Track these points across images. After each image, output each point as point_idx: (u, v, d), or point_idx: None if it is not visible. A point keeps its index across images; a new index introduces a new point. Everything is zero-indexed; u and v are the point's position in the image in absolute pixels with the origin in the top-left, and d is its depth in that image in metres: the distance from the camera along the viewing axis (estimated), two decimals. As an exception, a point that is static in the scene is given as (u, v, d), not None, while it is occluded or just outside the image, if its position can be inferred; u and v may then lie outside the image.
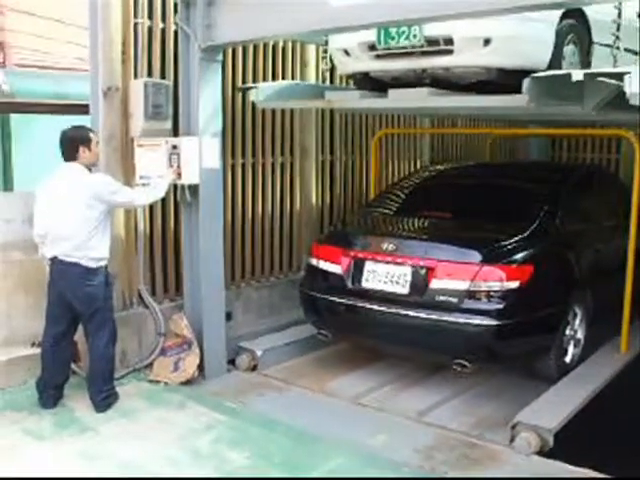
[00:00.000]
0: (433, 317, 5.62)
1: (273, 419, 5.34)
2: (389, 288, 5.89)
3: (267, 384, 6.15)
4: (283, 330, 7.13)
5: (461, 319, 5.53)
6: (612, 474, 4.55)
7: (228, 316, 6.63)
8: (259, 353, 6.52)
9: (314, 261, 6.51)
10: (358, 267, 6.11)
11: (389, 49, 5.91)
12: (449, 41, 5.59)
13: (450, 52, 5.66)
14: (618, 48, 6.39)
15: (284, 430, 5.15)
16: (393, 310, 5.82)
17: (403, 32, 5.68)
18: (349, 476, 4.51)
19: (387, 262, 5.95)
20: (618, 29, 6.35)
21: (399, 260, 5.89)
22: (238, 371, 6.46)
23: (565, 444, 4.88)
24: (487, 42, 5.48)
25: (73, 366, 5.77)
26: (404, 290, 5.81)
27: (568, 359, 6.20)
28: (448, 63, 5.75)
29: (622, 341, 6.65)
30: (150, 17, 6.28)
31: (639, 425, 5.33)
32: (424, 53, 5.77)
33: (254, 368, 6.50)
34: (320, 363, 6.71)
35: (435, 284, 5.65)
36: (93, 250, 5.21)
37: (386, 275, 5.94)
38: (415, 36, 5.64)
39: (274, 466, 4.58)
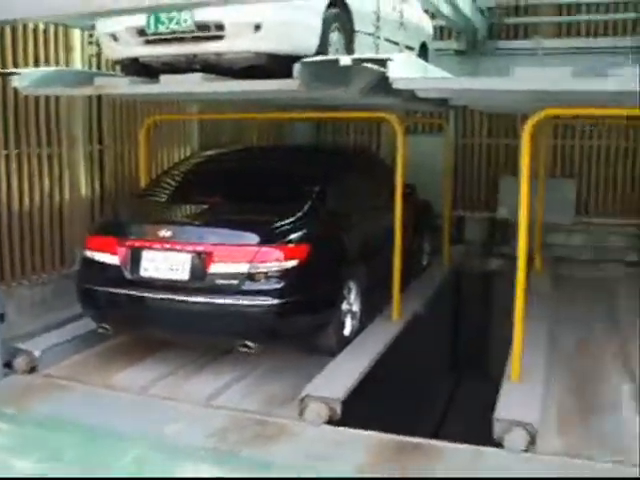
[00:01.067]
0: (215, 301, 5.69)
1: (60, 419, 5.12)
2: (169, 275, 5.85)
3: (50, 384, 5.86)
4: (62, 327, 6.81)
5: (243, 301, 5.64)
6: (398, 433, 4.87)
7: (1, 317, 6.24)
8: (37, 353, 6.18)
9: (89, 253, 6.30)
10: (135, 256, 6.00)
11: (159, 34, 5.80)
12: (220, 26, 5.59)
13: (221, 37, 5.65)
14: (379, 37, 6.76)
15: (73, 429, 4.96)
16: (174, 297, 5.80)
17: (173, 17, 5.60)
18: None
19: (165, 249, 5.91)
20: (378, 20, 6.72)
21: (177, 247, 5.87)
22: (16, 374, 6.09)
23: (353, 411, 5.14)
24: (257, 28, 5.53)
25: None
26: (184, 276, 5.80)
27: (347, 332, 6.51)
28: (219, 48, 5.74)
29: (394, 310, 7.12)
30: None
31: (416, 385, 5.71)
32: (195, 38, 5.72)
33: (34, 369, 6.17)
34: (104, 358, 6.50)
35: (214, 268, 5.70)
36: None
37: (165, 263, 5.89)
38: (186, 21, 5.59)
39: (68, 465, 4.43)
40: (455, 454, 4.72)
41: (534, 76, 5.21)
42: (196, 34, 5.69)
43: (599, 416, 5.33)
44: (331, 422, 5.07)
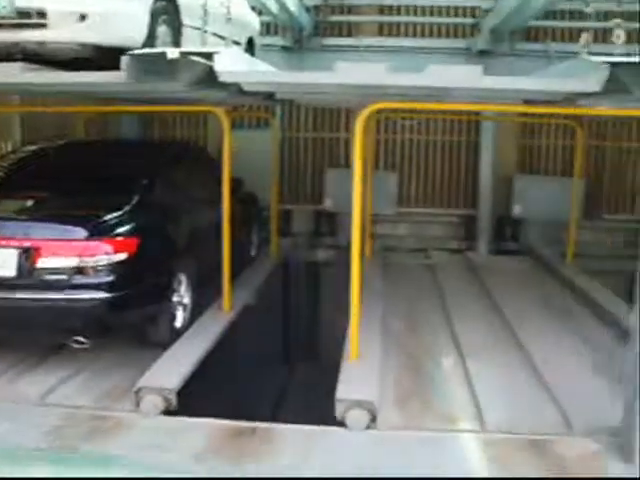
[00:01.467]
0: (44, 297, 5.58)
1: None
2: (-6, 272, 5.65)
3: None
4: None
5: (72, 296, 5.59)
6: (231, 418, 4.99)
7: None
8: None
9: None
10: (-44, 254, 5.74)
11: (-25, 19, 5.53)
12: (42, 14, 5.38)
13: (44, 26, 5.43)
14: (206, 31, 6.81)
15: None
16: (1, 295, 5.60)
17: (-9, 1, 5.38)
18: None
19: (-11, 245, 5.70)
20: (205, 14, 6.76)
21: (2, 242, 5.66)
22: None
23: (189, 400, 5.20)
24: (83, 18, 5.39)
25: None
26: (11, 273, 5.63)
27: (178, 324, 6.59)
28: (41, 37, 5.50)
29: (225, 301, 7.23)
30: None
31: (251, 373, 5.84)
32: (15, 25, 5.45)
33: None
34: None
35: (42, 263, 5.59)
36: None
37: (-11, 259, 5.69)
38: (5, 7, 5.32)
39: None
40: (293, 435, 4.90)
41: (354, 71, 5.46)
42: (16, 21, 5.42)
43: (431, 388, 5.73)
44: (168, 412, 5.12)
